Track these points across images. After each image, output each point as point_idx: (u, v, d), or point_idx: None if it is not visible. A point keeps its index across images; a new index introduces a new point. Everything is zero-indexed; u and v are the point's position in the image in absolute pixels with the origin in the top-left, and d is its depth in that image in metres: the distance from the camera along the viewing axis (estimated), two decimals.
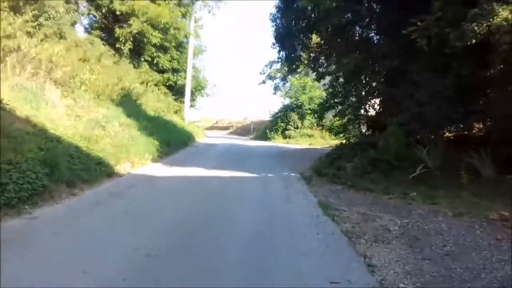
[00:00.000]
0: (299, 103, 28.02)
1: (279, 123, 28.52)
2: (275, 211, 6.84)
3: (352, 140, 12.61)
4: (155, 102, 24.34)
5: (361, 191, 8.56)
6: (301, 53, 14.01)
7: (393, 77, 10.60)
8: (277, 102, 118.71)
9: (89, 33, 23.44)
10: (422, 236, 5.47)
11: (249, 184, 9.48)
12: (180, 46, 29.08)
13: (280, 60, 14.53)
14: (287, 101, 30.20)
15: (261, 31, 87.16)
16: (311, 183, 9.71)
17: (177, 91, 29.93)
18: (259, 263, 4.29)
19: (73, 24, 17.42)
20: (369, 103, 12.24)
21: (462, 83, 8.55)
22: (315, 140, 25.92)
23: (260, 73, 42.07)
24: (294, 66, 15.37)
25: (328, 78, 13.53)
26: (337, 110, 13.41)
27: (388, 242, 5.18)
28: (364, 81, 11.84)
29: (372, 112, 12.50)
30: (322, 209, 6.79)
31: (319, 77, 14.15)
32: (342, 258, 4.65)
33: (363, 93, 12.08)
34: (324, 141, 25.16)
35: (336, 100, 13.24)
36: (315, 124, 28.36)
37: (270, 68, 40.97)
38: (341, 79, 12.70)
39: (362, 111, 12.55)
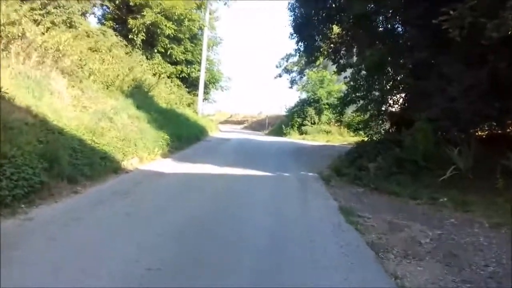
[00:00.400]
0: (317, 98, 27.20)
1: (295, 118, 27.76)
2: (292, 216, 6.16)
3: (374, 138, 11.84)
4: (167, 94, 24.02)
5: (385, 194, 7.86)
6: (321, 44, 13.20)
7: (421, 70, 9.81)
8: (293, 97, 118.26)
9: (102, 24, 23.26)
10: (459, 251, 4.77)
11: (263, 184, 8.80)
12: (195, 38, 28.62)
13: (297, 51, 13.70)
14: (304, 95, 29.44)
15: (278, 23, 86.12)
16: (330, 184, 9.03)
17: (190, 84, 29.50)
18: (275, 279, 3.69)
19: (84, 13, 16.94)
20: (394, 98, 11.45)
21: (498, 77, 7.78)
22: (333, 136, 25.11)
23: (277, 67, 41.52)
24: (312, 58, 14.50)
25: (349, 71, 12.74)
26: (359, 105, 12.61)
27: (421, 258, 4.50)
28: (388, 74, 11.04)
29: (396, 107, 11.70)
30: (343, 216, 6.11)
31: (340, 70, 13.34)
32: (369, 276, 3.99)
33: (387, 87, 11.29)
34: (343, 138, 24.37)
35: (357, 94, 12.43)
36: (333, 120, 27.51)
37: (287, 61, 40.35)
38: (363, 72, 11.89)
39: (386, 106, 11.77)
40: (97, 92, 12.73)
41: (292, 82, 40.43)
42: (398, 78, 10.89)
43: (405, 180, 8.26)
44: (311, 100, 27.54)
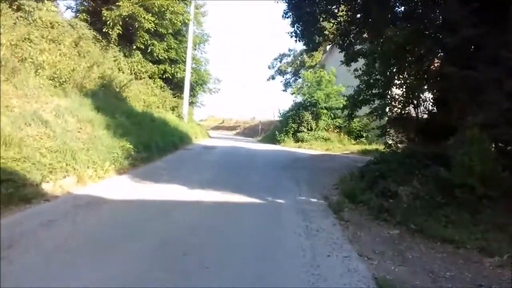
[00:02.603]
0: (314, 101, 24.31)
1: (290, 123, 24.84)
2: None
3: (394, 148, 8.99)
4: (149, 96, 21.31)
5: (436, 241, 5.05)
6: (324, 25, 10.27)
7: (464, 56, 7.09)
8: (287, 100, 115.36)
9: (77, 17, 20.67)
10: None
11: (245, 222, 5.85)
12: (179, 34, 25.93)
13: (294, 35, 10.51)
14: (299, 98, 26.55)
15: (272, 22, 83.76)
16: (345, 219, 6.19)
17: (176, 85, 26.76)
18: None
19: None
20: (422, 95, 8.60)
21: None
22: (332, 144, 22.26)
23: (269, 68, 38.81)
24: (313, 44, 11.20)
25: (361, 62, 9.84)
26: (374, 105, 9.70)
27: None
28: (416, 63, 8.18)
29: (423, 108, 8.87)
30: None
31: (350, 59, 10.44)
32: None
33: (414, 81, 8.44)
34: (343, 147, 21.57)
35: (373, 91, 9.53)
36: (332, 126, 24.73)
37: (280, 62, 37.63)
38: (380, 63, 9.01)
39: (411, 106, 8.92)
40: (39, 89, 9.98)
41: (286, 84, 37.72)
42: (432, 68, 8.05)
43: (460, 216, 5.47)
44: (308, 104, 24.64)
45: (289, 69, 37.11)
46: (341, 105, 24.01)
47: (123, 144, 10.32)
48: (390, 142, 9.23)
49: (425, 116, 9.03)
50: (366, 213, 6.53)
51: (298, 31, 10.28)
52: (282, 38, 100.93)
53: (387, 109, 9.24)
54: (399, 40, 7.46)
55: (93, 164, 8.14)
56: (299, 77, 33.50)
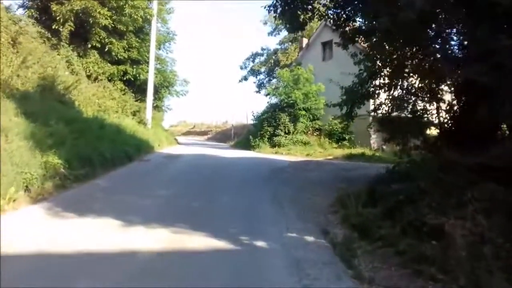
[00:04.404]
0: (291, 101, 22.01)
1: (265, 127, 22.43)
2: None
3: (415, 158, 6.60)
4: (106, 100, 18.65)
5: None
6: None
7: None
8: (261, 103, 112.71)
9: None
10: None
11: None
12: (141, 32, 23.29)
13: (272, 9, 7.85)
14: (274, 100, 24.18)
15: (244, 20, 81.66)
16: (365, 275, 3.86)
17: (138, 88, 23.98)
18: None
19: None
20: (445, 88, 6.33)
21: None
22: (313, 149, 19.98)
23: (241, 68, 36.31)
24: (297, 21, 8.05)
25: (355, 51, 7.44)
26: (385, 98, 7.31)
27: None
28: (440, 40, 5.90)
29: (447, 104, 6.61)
30: None
31: (347, 39, 8.02)
32: None
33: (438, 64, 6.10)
34: (325, 151, 19.35)
35: (381, 82, 7.14)
36: (311, 128, 22.50)
37: (253, 61, 35.24)
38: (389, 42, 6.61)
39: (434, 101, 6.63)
40: None
41: (260, 85, 35.27)
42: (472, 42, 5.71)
43: None
44: (284, 105, 22.31)
45: (262, 69, 34.75)
46: (321, 106, 22.22)
47: (46, 159, 7.72)
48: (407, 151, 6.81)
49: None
50: (393, 261, 4.21)
51: (278, 5, 7.73)
52: (254, 38, 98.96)
53: (404, 105, 6.86)
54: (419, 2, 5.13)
55: None
56: (274, 77, 31.25)
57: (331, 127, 21.51)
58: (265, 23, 34.56)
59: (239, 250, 4.52)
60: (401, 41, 6.17)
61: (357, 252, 4.57)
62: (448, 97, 6.72)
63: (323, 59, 23.97)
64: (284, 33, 34.58)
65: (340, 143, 21.07)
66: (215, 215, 6.17)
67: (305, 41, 26.19)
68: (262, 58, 34.86)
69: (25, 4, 19.05)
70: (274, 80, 30.77)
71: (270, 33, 34.49)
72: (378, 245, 4.72)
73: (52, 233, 4.85)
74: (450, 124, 6.67)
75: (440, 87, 6.53)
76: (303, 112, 22.10)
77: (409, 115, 6.95)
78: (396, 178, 6.00)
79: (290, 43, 33.65)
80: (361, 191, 6.67)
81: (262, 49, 34.85)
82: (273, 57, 34.06)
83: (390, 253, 4.44)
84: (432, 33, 5.99)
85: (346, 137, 20.91)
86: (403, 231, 4.65)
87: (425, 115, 6.85)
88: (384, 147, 19.78)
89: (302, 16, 7.83)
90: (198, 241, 4.77)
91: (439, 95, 6.61)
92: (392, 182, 5.78)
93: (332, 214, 6.34)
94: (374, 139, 20.46)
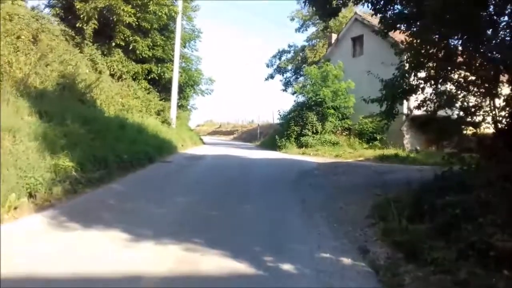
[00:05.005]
0: (319, 100, 21.05)
1: (292, 126, 21.53)
2: None
3: (469, 163, 5.59)
4: (129, 99, 18.36)
5: None
6: None
7: None
8: (288, 101, 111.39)
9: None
10: None
11: None
12: (166, 30, 23.02)
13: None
14: (301, 98, 23.27)
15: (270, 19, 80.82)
16: None
17: (163, 87, 23.76)
18: None
19: None
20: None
21: None
22: (342, 149, 18.98)
23: (267, 66, 35.43)
24: (329, 8, 7.20)
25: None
26: (425, 96, 6.36)
27: None
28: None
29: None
30: None
31: (388, 25, 6.94)
32: None
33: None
34: (355, 151, 18.32)
35: (427, 74, 6.08)
36: (340, 128, 21.49)
37: (279, 59, 34.29)
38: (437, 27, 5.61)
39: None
40: None
41: (286, 83, 34.28)
42: None
43: None
44: (312, 103, 21.33)
45: (289, 67, 33.77)
46: (351, 104, 21.22)
47: (58, 162, 7.20)
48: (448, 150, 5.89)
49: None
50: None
51: None
52: (281, 36, 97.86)
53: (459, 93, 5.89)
54: None
55: None
56: (301, 75, 30.23)
57: (361, 127, 20.48)
58: (292, 19, 33.65)
59: (262, 276, 3.76)
60: (451, 26, 5.27)
61: (405, 279, 3.75)
62: (506, 91, 5.76)
63: (353, 55, 22.89)
64: (312, 29, 33.69)
65: (371, 144, 19.99)
66: (235, 228, 5.43)
67: (334, 36, 25.17)
68: (289, 56, 33.90)
69: (51, 3, 19.07)
70: (301, 78, 29.77)
71: (298, 30, 33.52)
72: (430, 270, 3.88)
73: (47, 249, 4.24)
74: (507, 122, 5.71)
75: (498, 80, 5.57)
76: (332, 111, 21.11)
77: (460, 113, 6.01)
78: (446, 186, 5.08)
79: (318, 40, 32.62)
80: (402, 200, 5.80)
81: (289, 46, 33.93)
82: (300, 54, 33.08)
83: (447, 282, 3.59)
84: (488, 17, 5.06)
85: (378, 137, 19.82)
86: (461, 255, 3.80)
87: (478, 112, 5.89)
88: (418, 148, 18.70)
89: (334, 2, 6.97)
90: (213, 262, 4.06)
91: (494, 90, 5.65)
92: (443, 191, 4.89)
93: (370, 228, 5.49)
94: (408, 139, 19.37)
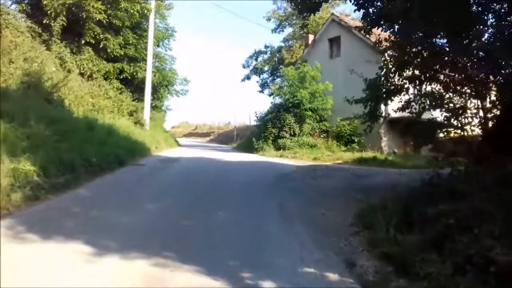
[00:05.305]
0: (296, 101, 20.79)
1: (269, 128, 21.20)
2: None
3: (459, 167, 5.31)
4: (100, 99, 17.66)
5: None
6: None
7: None
8: (265, 103, 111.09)
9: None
10: None
11: None
12: (138, 28, 22.34)
13: None
14: (278, 100, 22.95)
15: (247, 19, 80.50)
16: None
17: (137, 87, 22.96)
18: None
19: None
20: None
21: None
22: (320, 152, 18.74)
23: (243, 67, 34.99)
24: (310, 2, 6.74)
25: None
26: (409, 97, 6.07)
27: None
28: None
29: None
30: None
31: (373, 21, 6.59)
32: None
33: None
34: (333, 154, 18.11)
35: (411, 74, 5.76)
36: (317, 130, 21.26)
37: (256, 60, 33.91)
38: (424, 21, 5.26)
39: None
40: None
41: (263, 85, 33.94)
42: None
43: None
44: (289, 105, 21.07)
45: (266, 68, 33.46)
46: (329, 106, 21.04)
47: (17, 166, 6.61)
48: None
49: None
50: None
51: None
52: (257, 36, 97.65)
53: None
54: None
55: None
56: (278, 76, 29.96)
57: (339, 129, 20.35)
58: (269, 20, 33.34)
59: None
60: (438, 23, 4.99)
61: None
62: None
63: (331, 57, 22.73)
64: (288, 30, 33.52)
65: (349, 146, 19.86)
66: (210, 238, 4.98)
67: (311, 37, 24.96)
68: (266, 56, 33.59)
69: None
70: (278, 79, 29.52)
71: (274, 30, 33.24)
72: (423, 286, 3.56)
73: None
74: (495, 124, 5.48)
75: (488, 80, 5.33)
76: (310, 113, 20.88)
77: (446, 114, 5.75)
78: (435, 192, 4.79)
79: (294, 40, 32.42)
80: (388, 206, 5.48)
81: (266, 46, 33.56)
82: (277, 54, 32.79)
83: None
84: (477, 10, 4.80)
85: (356, 140, 19.71)
86: (458, 270, 3.48)
87: (465, 114, 5.65)
88: (396, 150, 18.67)
89: None
90: (184, 279, 3.62)
91: (485, 90, 5.42)
92: (433, 198, 4.59)
93: (354, 236, 5.15)
94: (385, 142, 19.32)
